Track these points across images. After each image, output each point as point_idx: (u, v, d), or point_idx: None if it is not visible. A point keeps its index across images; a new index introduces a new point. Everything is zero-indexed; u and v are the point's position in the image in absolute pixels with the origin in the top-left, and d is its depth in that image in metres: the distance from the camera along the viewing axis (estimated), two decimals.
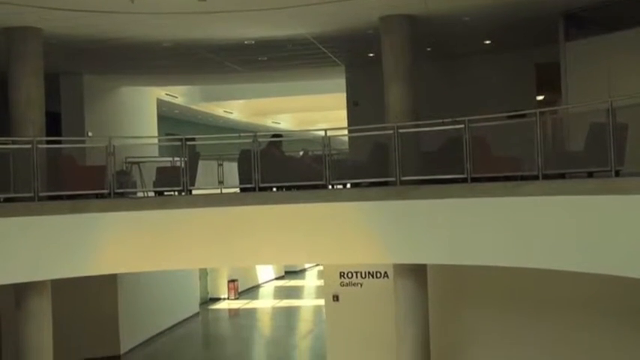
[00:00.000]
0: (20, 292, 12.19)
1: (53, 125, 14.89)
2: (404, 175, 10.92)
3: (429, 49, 14.97)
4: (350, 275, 14.27)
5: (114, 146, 11.63)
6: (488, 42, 14.80)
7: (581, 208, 8.90)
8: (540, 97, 15.71)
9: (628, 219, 8.33)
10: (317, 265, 33.20)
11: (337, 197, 11.30)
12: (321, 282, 22.32)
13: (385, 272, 13.93)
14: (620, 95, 9.11)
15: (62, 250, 10.96)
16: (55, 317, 12.71)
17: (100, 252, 11.16)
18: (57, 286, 13.01)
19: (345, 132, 15.51)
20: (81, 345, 17.31)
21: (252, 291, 29.84)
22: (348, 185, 12.03)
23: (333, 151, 11.95)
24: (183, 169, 11.63)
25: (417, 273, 12.52)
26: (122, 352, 18.52)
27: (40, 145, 11.27)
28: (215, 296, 27.43)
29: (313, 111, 29.38)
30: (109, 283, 17.68)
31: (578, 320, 12.00)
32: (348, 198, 11.30)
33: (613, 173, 8.70)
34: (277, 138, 12.80)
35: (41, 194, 11.12)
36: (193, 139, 12.47)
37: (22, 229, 10.68)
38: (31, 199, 11.00)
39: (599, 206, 8.67)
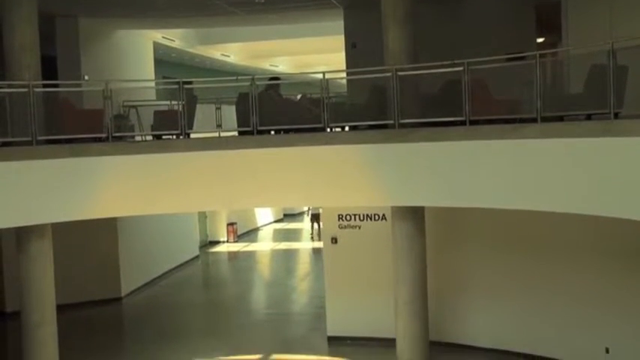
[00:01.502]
0: (21, 235, 12.28)
1: (49, 69, 14.77)
2: (402, 118, 10.89)
3: None
4: (348, 218, 14.36)
5: (111, 90, 11.57)
6: None
7: (579, 150, 8.92)
8: (540, 40, 15.57)
9: (627, 161, 8.35)
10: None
11: (335, 140, 11.30)
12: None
13: (383, 215, 14.02)
14: (621, 37, 9.02)
15: (61, 194, 11.00)
16: (56, 260, 12.83)
17: (99, 195, 11.21)
18: (58, 230, 13.11)
19: (344, 75, 15.41)
20: (83, 287, 17.56)
21: (250, 234, 30.10)
22: (347, 128, 12.01)
23: (332, 94, 11.89)
24: (180, 113, 11.60)
25: (414, 215, 12.61)
26: (123, 294, 18.78)
27: (36, 89, 11.20)
28: (214, 239, 27.68)
29: (311, 54, 29.11)
30: (109, 226, 17.82)
31: (575, 261, 12.14)
32: (346, 141, 11.29)
33: (612, 115, 8.68)
34: (275, 81, 12.72)
35: (39, 138, 11.10)
36: (190, 83, 12.39)
37: (21, 173, 10.70)
38: (29, 144, 10.99)
39: (597, 148, 8.68)
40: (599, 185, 8.75)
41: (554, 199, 9.38)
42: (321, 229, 26.86)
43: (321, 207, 19.78)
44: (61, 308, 13.35)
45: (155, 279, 20.80)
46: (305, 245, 27.43)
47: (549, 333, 12.52)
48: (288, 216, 34.46)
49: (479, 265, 13.39)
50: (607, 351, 11.67)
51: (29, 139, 10.98)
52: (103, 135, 11.50)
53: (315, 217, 27.60)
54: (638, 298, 11.37)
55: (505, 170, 9.89)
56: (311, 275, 22.05)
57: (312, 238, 27.90)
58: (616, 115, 8.72)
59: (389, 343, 13.32)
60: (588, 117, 9.39)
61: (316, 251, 25.50)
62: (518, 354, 12.87)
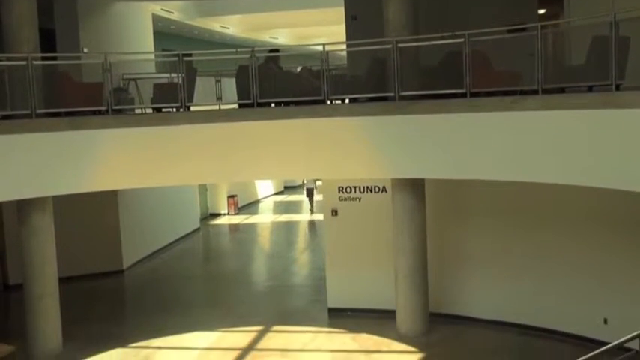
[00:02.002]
0: (23, 208, 12.34)
1: (47, 42, 14.69)
2: (403, 90, 10.86)
3: None
4: (349, 190, 14.38)
5: (110, 62, 11.51)
6: None
7: (580, 122, 8.91)
8: (542, 11, 15.44)
9: (628, 133, 8.34)
10: (316, 180, 33.43)
11: (336, 112, 11.27)
12: (319, 197, 22.57)
13: (384, 187, 14.03)
14: (624, 8, 8.96)
15: (62, 167, 11.01)
16: (58, 234, 12.91)
17: (100, 168, 11.21)
18: (59, 204, 13.15)
19: (344, 47, 15.33)
20: (85, 260, 17.66)
21: (251, 206, 30.16)
22: (347, 100, 11.98)
23: (332, 67, 11.84)
24: (180, 86, 11.56)
25: (415, 187, 12.64)
26: (125, 266, 18.88)
27: (35, 62, 11.15)
28: (215, 212, 27.75)
29: (311, 26, 28.96)
30: (110, 199, 17.88)
31: (575, 232, 12.17)
32: (346, 113, 11.27)
33: (613, 87, 8.66)
34: (275, 53, 12.65)
35: (39, 111, 11.08)
36: (190, 55, 12.32)
37: (21, 147, 10.69)
38: (28, 117, 10.98)
39: (599, 120, 8.67)
40: (599, 157, 8.75)
41: (555, 171, 9.39)
42: (315, 203, 27.06)
43: (320, 179, 19.78)
44: (63, 281, 13.49)
45: (156, 251, 20.90)
46: (306, 217, 27.50)
47: (548, 304, 12.60)
48: (289, 188, 34.50)
49: (479, 237, 13.43)
50: (605, 321, 11.76)
51: (29, 112, 10.97)
52: (103, 108, 11.47)
53: (310, 192, 27.61)
54: (635, 269, 11.42)
55: (506, 142, 9.88)
56: (311, 247, 22.14)
57: (310, 211, 27.96)
58: (617, 87, 8.69)
59: (389, 314, 13.43)
60: (589, 89, 9.36)
61: (314, 224, 25.61)
62: (518, 325, 12.96)
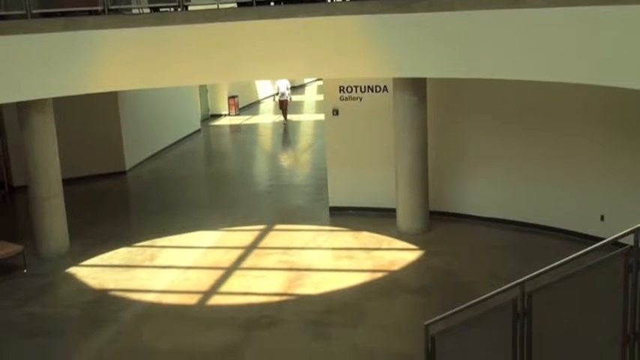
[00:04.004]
0: (23, 110, 12.33)
1: None
2: None
3: None
4: (349, 90, 14.29)
5: None
6: None
7: (586, 19, 8.77)
8: None
9: (634, 30, 8.23)
10: (316, 79, 33.18)
11: (337, 11, 11.07)
12: (320, 97, 22.49)
13: (384, 86, 13.94)
14: None
15: (59, 69, 10.89)
16: (60, 136, 12.95)
17: (98, 69, 11.11)
18: (60, 106, 13.12)
19: None
20: (88, 162, 17.80)
21: (252, 107, 30.07)
22: None
23: None
24: None
25: (416, 86, 12.57)
26: (127, 168, 19.03)
27: None
28: (216, 113, 27.71)
29: None
30: (110, 101, 17.83)
31: (572, 130, 12.17)
32: (348, 11, 11.05)
33: None
34: None
35: (34, 12, 10.88)
36: None
37: (17, 48, 10.56)
38: (23, 17, 10.79)
39: (604, 17, 8.53)
40: (606, 55, 8.66)
41: (560, 69, 9.31)
42: (287, 117, 26.14)
43: (321, 78, 19.66)
44: (67, 182, 13.62)
45: (158, 152, 21.01)
46: (307, 117, 27.42)
47: (547, 202, 12.76)
48: (290, 88, 34.22)
49: (479, 136, 13.45)
50: (602, 218, 11.94)
51: (23, 12, 10.77)
52: (99, 8, 11.25)
53: (283, 103, 26.05)
54: (632, 167, 11.50)
55: (509, 40, 9.74)
56: (313, 147, 22.19)
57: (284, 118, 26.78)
58: None
59: (389, 213, 13.62)
60: None
61: (318, 123, 25.45)
62: (516, 223, 13.16)
